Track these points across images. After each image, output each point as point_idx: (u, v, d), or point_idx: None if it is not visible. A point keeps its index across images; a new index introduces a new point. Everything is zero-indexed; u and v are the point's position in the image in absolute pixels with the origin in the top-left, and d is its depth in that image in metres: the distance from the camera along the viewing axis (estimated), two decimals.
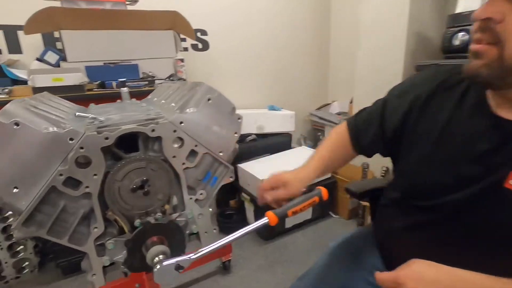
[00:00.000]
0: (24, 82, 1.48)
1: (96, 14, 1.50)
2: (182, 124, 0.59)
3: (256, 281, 1.49)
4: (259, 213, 1.77)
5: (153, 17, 1.61)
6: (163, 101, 0.75)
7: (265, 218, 0.60)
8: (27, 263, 1.50)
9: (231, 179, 0.67)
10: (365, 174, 1.83)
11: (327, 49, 2.75)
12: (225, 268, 1.55)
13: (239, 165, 1.92)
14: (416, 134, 0.58)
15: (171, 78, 1.63)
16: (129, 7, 1.67)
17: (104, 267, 0.57)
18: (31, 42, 1.62)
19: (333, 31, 2.70)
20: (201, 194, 0.65)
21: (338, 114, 2.55)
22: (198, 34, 2.14)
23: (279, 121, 2.20)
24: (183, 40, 2.01)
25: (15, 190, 0.48)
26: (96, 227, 0.54)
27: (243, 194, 1.91)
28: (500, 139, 0.47)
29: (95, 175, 0.52)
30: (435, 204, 0.54)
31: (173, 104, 0.65)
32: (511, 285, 0.42)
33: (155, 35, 1.65)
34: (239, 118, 0.65)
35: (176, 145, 0.59)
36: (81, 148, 0.50)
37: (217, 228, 0.68)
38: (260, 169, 1.81)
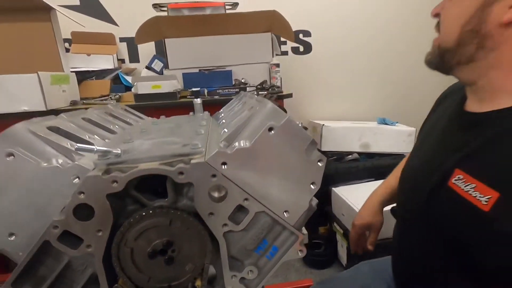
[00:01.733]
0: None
1: (197, 20, 1.49)
2: (225, 167, 0.37)
3: None
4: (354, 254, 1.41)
5: (250, 18, 1.49)
6: (223, 121, 0.57)
7: None
8: None
9: (301, 254, 0.42)
10: None
11: None
12: None
13: (333, 188, 1.61)
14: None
15: (263, 86, 1.48)
16: (228, 11, 1.61)
17: None
18: (146, 52, 1.77)
19: None
20: (250, 271, 0.42)
21: None
22: (300, 35, 1.93)
23: (391, 139, 1.75)
24: (283, 43, 1.84)
25: (11, 237, 0.38)
26: None
27: (335, 225, 1.59)
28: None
29: (99, 231, 0.37)
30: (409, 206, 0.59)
31: (225, 130, 0.45)
32: None
33: (251, 39, 1.53)
34: (320, 160, 0.39)
35: (216, 195, 0.39)
36: (81, 193, 0.35)
37: None
38: (359, 197, 1.44)
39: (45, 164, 0.37)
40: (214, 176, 0.38)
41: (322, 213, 1.77)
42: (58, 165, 0.37)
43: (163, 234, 0.39)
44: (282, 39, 1.81)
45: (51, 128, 0.42)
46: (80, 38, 1.66)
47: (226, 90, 1.46)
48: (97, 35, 1.69)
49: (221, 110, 0.77)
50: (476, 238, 0.44)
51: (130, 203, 0.41)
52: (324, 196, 1.68)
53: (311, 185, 0.40)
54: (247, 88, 1.48)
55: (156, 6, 1.59)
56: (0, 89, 1.17)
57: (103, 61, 1.67)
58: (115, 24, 1.76)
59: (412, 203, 0.58)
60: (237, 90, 1.47)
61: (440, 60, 0.52)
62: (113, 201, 0.37)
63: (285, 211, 0.41)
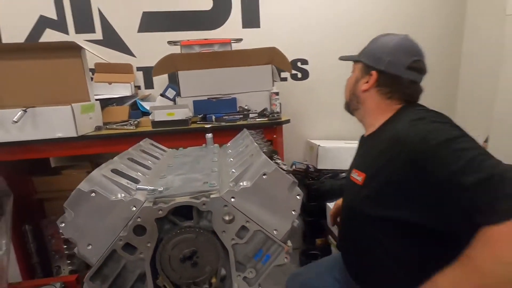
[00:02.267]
0: (148, 113, 1.80)
1: (206, 55, 1.70)
2: (233, 200, 0.56)
3: None
4: None
5: (253, 53, 1.70)
6: (231, 159, 0.75)
7: None
8: None
9: (286, 260, 0.60)
10: None
11: (456, 72, 2.26)
12: None
13: (328, 203, 1.78)
14: None
15: (264, 113, 1.67)
16: (234, 45, 1.82)
17: None
18: (159, 79, 1.97)
19: (465, 48, 2.20)
20: (250, 272, 0.60)
21: None
22: (298, 63, 2.13)
23: None
24: (283, 70, 2.04)
25: (89, 247, 0.56)
26: None
27: (330, 237, 1.75)
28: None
29: (149, 243, 0.55)
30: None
31: (233, 170, 0.63)
32: None
33: (254, 70, 1.73)
34: (298, 195, 0.57)
35: (226, 219, 0.57)
36: (139, 218, 0.54)
37: None
38: None
39: (113, 198, 0.55)
40: (226, 206, 0.56)
41: (319, 227, 1.93)
42: (122, 198, 0.55)
43: (190, 245, 0.57)
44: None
45: (114, 171, 0.61)
46: (102, 68, 1.88)
47: (231, 116, 1.65)
48: (117, 65, 1.91)
49: (229, 144, 0.96)
50: (357, 200, 0.78)
51: (166, 222, 0.59)
52: (320, 210, 1.85)
53: (293, 212, 0.58)
54: (250, 114, 1.67)
55: (170, 42, 1.80)
56: (39, 119, 1.38)
57: (122, 89, 1.87)
58: (133, 55, 1.97)
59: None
60: (241, 116, 1.66)
61: (347, 107, 0.94)
62: (158, 222, 0.55)
63: (275, 230, 0.59)
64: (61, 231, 0.55)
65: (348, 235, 0.90)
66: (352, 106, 0.90)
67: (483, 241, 0.54)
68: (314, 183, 1.91)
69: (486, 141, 1.77)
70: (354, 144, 2.10)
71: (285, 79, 2.13)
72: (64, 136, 1.41)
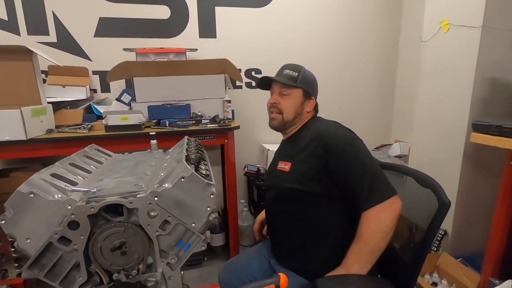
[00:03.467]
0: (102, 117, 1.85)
1: (160, 64, 1.79)
2: (156, 199, 0.68)
3: None
4: None
5: (207, 64, 1.82)
6: (165, 164, 0.87)
7: None
8: None
9: (203, 248, 0.73)
10: None
11: (393, 87, 2.56)
12: None
13: None
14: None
15: (215, 119, 1.79)
16: (189, 54, 1.93)
17: None
18: (117, 84, 2.02)
19: (400, 69, 2.51)
20: (173, 258, 0.72)
21: (398, 156, 2.32)
22: (253, 72, 2.29)
23: None
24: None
25: (27, 240, 0.65)
26: (80, 277, 0.67)
27: None
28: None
29: (82, 236, 0.65)
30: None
31: (161, 174, 0.75)
32: None
33: (207, 79, 1.86)
34: (212, 194, 0.71)
35: (152, 214, 0.69)
36: (73, 214, 0.64)
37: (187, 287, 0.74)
38: None
39: (50, 198, 0.65)
40: (150, 204, 0.68)
41: None
42: (58, 199, 0.65)
43: (120, 237, 0.68)
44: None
45: (53, 175, 0.70)
46: (56, 71, 1.89)
47: (185, 122, 1.76)
48: (72, 69, 1.93)
49: (172, 149, 1.07)
50: (285, 182, 1.00)
51: (100, 219, 0.70)
52: None
53: (207, 208, 0.72)
54: (203, 120, 1.79)
55: (126, 49, 1.87)
56: None
57: (77, 92, 1.90)
58: (89, 59, 2.00)
59: (269, 186, 1.15)
60: (194, 122, 1.77)
61: (283, 124, 1.09)
62: (90, 218, 0.66)
63: (193, 223, 0.72)
64: (2, 227, 0.63)
65: (275, 218, 1.09)
66: (291, 123, 1.08)
67: (363, 221, 0.87)
68: (264, 184, 2.07)
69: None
70: None
71: (240, 87, 2.28)
72: (12, 139, 1.42)
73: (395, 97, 2.58)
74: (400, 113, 2.55)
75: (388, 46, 2.47)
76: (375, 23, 2.41)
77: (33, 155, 1.56)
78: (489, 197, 1.54)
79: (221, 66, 1.83)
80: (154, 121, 1.76)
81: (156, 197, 0.68)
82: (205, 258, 2.01)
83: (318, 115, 1.16)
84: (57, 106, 1.78)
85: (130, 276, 0.69)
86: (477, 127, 1.22)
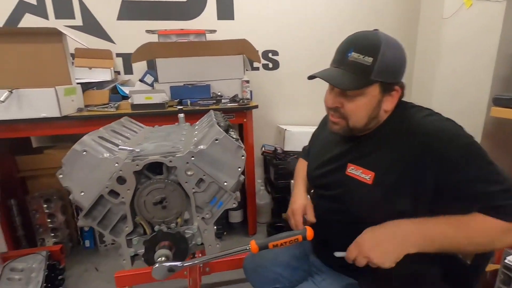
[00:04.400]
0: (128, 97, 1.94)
1: (182, 45, 1.85)
2: (193, 158, 0.75)
3: None
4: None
5: (226, 44, 1.86)
6: (196, 132, 0.94)
7: (248, 245, 0.70)
8: None
9: (234, 205, 0.80)
10: None
11: (411, 65, 2.53)
12: None
13: (292, 181, 2.00)
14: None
15: (234, 99, 1.85)
16: (208, 35, 1.97)
17: (131, 256, 0.78)
18: (139, 66, 2.10)
19: (419, 47, 2.46)
20: (207, 214, 0.79)
21: None
22: (270, 54, 2.31)
23: None
24: (254, 60, 2.22)
25: (82, 193, 0.73)
26: (127, 227, 0.76)
27: None
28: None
29: (128, 190, 0.73)
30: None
31: (195, 139, 0.82)
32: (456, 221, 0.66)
33: (226, 60, 1.90)
34: (242, 156, 0.77)
35: (188, 173, 0.76)
36: (120, 170, 0.72)
37: (220, 243, 0.81)
38: None
39: (100, 156, 0.73)
40: (187, 163, 0.75)
41: (285, 202, 2.16)
42: (107, 157, 0.73)
43: (161, 193, 0.76)
44: None
45: (100, 137, 0.78)
46: (82, 54, 1.98)
47: (205, 101, 1.82)
48: (97, 51, 2.01)
49: (198, 122, 1.14)
50: (366, 200, 0.75)
51: (143, 177, 0.77)
52: (286, 188, 2.08)
53: (238, 168, 0.78)
54: (222, 100, 1.84)
55: (148, 31, 1.93)
56: (24, 100, 1.49)
57: (102, 74, 1.99)
58: (113, 42, 2.08)
59: (326, 189, 0.87)
60: (214, 101, 1.83)
61: (350, 131, 0.79)
62: (135, 174, 0.74)
63: (225, 182, 0.78)
64: (60, 180, 0.72)
65: (329, 227, 0.85)
66: (362, 130, 0.79)
67: (492, 225, 0.63)
68: (281, 163, 2.13)
69: None
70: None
71: (257, 69, 2.31)
72: (48, 116, 1.53)
73: (414, 75, 2.55)
74: (418, 91, 2.52)
75: (408, 24, 2.42)
76: (395, 1, 2.36)
77: (65, 132, 1.67)
78: (510, 171, 1.54)
79: (240, 47, 1.87)
80: (176, 100, 1.83)
81: (193, 156, 0.75)
82: (225, 233, 2.11)
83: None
84: (85, 87, 1.87)
85: (170, 228, 0.77)
86: (498, 101, 1.22)
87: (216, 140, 0.75)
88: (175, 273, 0.68)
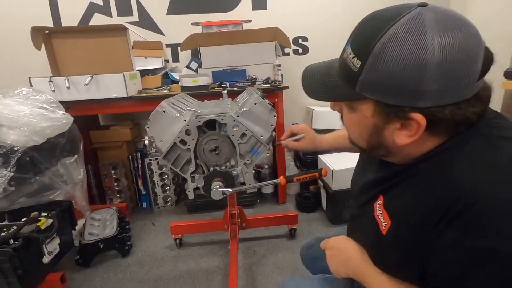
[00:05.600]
0: (177, 81, 2.27)
1: (222, 34, 2.12)
2: (238, 117, 1.02)
3: None
4: (330, 198, 2.03)
5: (260, 32, 2.10)
6: (239, 103, 1.21)
7: (278, 179, 0.97)
8: (169, 198, 2.34)
9: (268, 154, 1.06)
10: None
11: None
12: (291, 234, 1.93)
13: (319, 156, 2.22)
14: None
15: (267, 80, 2.09)
16: (245, 25, 2.22)
17: (194, 188, 1.08)
18: (184, 54, 2.42)
19: None
20: (248, 160, 1.07)
21: None
22: (300, 40, 2.51)
23: None
24: (285, 46, 2.43)
25: (161, 141, 1.04)
26: (191, 167, 1.06)
27: (319, 181, 2.21)
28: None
29: (193, 139, 1.03)
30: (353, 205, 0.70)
31: (239, 104, 1.09)
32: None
33: (260, 46, 2.14)
34: (274, 115, 1.03)
35: (234, 129, 1.03)
36: (188, 125, 1.01)
37: (257, 181, 1.08)
38: (336, 161, 2.05)
39: (174, 115, 1.03)
40: (234, 120, 1.02)
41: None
42: (178, 115, 1.02)
43: (215, 143, 1.04)
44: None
45: (172, 103, 1.08)
46: (139, 45, 2.33)
47: (242, 83, 2.09)
48: (151, 43, 2.36)
49: (238, 97, 1.41)
50: (376, 246, 0.56)
51: (201, 132, 1.06)
52: (313, 162, 2.30)
53: (271, 125, 1.04)
54: (257, 82, 2.10)
55: (194, 23, 2.23)
56: (101, 83, 1.87)
57: (155, 62, 2.34)
58: (163, 34, 2.41)
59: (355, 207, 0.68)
60: (249, 83, 2.09)
61: (359, 150, 0.58)
62: (198, 128, 1.03)
63: (261, 136, 1.05)
64: (147, 131, 1.03)
65: None
66: (375, 153, 0.55)
67: None
68: None
69: None
70: None
71: (287, 54, 2.52)
72: (117, 97, 1.90)
73: None
74: None
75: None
76: None
77: (129, 110, 2.04)
78: None
79: (272, 34, 2.10)
80: (217, 83, 2.12)
81: (238, 116, 1.02)
82: (258, 201, 2.40)
83: None
84: (142, 73, 2.23)
85: (221, 169, 1.06)
86: (509, 75, 1.33)
87: (255, 103, 1.01)
88: (227, 195, 0.96)
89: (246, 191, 2.08)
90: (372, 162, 0.63)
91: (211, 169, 1.06)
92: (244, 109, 1.02)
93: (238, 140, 1.04)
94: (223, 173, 1.04)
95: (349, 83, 0.47)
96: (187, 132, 1.02)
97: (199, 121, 1.01)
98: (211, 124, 1.04)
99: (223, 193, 0.95)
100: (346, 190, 1.96)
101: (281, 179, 0.95)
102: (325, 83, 0.53)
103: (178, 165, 1.06)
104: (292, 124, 2.51)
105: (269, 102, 1.06)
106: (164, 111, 1.01)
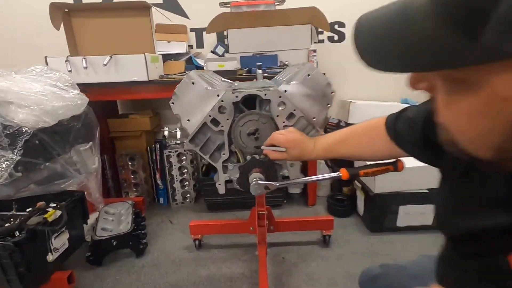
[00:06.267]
0: (202, 68, 2.09)
1: (252, 14, 1.92)
2: (286, 92, 0.80)
3: (352, 262, 1.56)
4: (370, 202, 1.78)
5: (295, 13, 1.88)
6: (280, 78, 0.99)
7: (339, 173, 0.74)
8: (188, 194, 2.16)
9: (320, 134, 0.84)
10: None
11: None
12: (325, 241, 1.69)
13: None
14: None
15: None
16: (277, 7, 2.01)
17: (225, 181, 0.87)
18: (209, 40, 2.23)
19: None
20: None
21: None
22: (336, 26, 2.26)
23: None
24: (320, 33, 2.20)
25: (188, 120, 0.84)
26: (224, 153, 0.85)
27: (356, 182, 1.96)
28: None
29: (227, 119, 0.82)
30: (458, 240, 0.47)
31: (285, 79, 0.87)
32: None
33: (294, 29, 1.92)
34: (332, 92, 0.80)
35: (280, 108, 0.82)
36: (222, 100, 0.80)
37: (303, 176, 0.86)
38: None
39: (205, 88, 0.82)
40: (280, 97, 0.81)
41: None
42: (210, 88, 0.82)
43: (255, 124, 0.83)
44: (319, 29, 2.16)
45: (202, 75, 0.88)
46: (161, 29, 2.17)
47: (273, 70, 1.87)
48: (174, 26, 2.19)
49: (277, 76, 1.19)
50: None
51: (239, 110, 0.85)
52: (349, 162, 2.05)
53: (327, 105, 0.82)
54: None
55: (222, 4, 2.03)
56: (120, 64, 1.71)
57: (178, 46, 2.17)
58: (187, 17, 2.24)
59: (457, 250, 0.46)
60: (281, 70, 1.88)
61: (471, 158, 0.34)
62: (234, 105, 0.82)
63: (314, 118, 0.82)
64: (172, 107, 0.83)
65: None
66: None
67: None
68: None
69: None
70: (385, 103, 2.23)
71: (322, 41, 2.28)
72: (138, 80, 1.73)
73: None
74: None
75: None
76: None
77: (150, 96, 1.87)
78: None
79: (309, 15, 1.87)
80: (246, 69, 1.92)
81: (286, 91, 0.80)
82: (285, 201, 2.17)
83: None
84: (164, 58, 2.06)
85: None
86: None
87: (309, 75, 0.80)
88: (269, 190, 0.75)
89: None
90: (490, 185, 0.38)
91: (248, 157, 0.85)
92: (294, 82, 0.80)
93: (284, 122, 0.82)
94: (264, 163, 0.82)
95: (465, 31, 0.24)
96: (221, 110, 0.81)
97: (237, 96, 0.80)
98: (249, 103, 0.84)
99: (266, 187, 0.74)
100: (391, 194, 1.71)
101: (342, 172, 0.73)
102: (407, 40, 0.28)
103: (208, 151, 0.86)
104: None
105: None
106: (193, 82, 0.81)
